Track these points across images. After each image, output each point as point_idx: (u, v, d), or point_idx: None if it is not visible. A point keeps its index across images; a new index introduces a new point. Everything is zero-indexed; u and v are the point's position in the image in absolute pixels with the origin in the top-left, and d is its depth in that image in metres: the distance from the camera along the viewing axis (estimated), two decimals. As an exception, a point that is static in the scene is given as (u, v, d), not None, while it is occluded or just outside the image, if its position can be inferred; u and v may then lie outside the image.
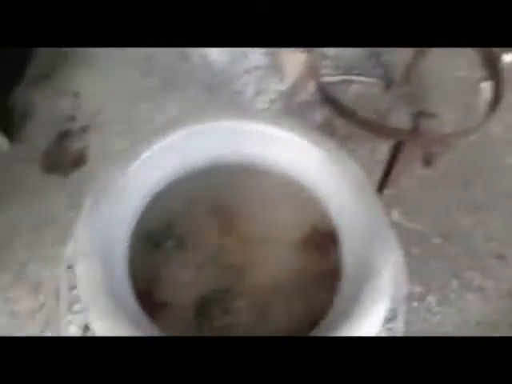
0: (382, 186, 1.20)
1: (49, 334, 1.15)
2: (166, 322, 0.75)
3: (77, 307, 0.66)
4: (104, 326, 0.58)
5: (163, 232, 0.86)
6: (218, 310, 0.81)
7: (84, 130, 1.45)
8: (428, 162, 1.27)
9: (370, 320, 0.60)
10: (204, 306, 0.81)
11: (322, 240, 0.85)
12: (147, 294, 0.77)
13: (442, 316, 1.18)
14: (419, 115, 1.02)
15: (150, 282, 0.81)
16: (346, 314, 0.61)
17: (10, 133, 1.40)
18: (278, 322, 0.81)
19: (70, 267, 0.70)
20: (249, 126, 0.69)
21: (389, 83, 1.41)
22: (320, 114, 1.37)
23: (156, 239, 0.86)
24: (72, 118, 1.47)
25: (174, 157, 0.69)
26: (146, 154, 0.64)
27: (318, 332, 0.63)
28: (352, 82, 1.45)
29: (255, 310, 0.82)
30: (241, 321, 0.81)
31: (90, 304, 0.57)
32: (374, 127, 1.00)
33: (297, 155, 0.73)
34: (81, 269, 0.59)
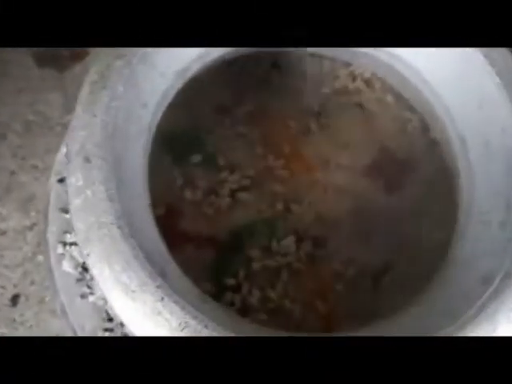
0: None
1: (41, 257, 1.01)
2: (189, 261, 0.57)
3: (71, 237, 0.46)
4: (106, 271, 0.38)
5: (187, 141, 0.67)
6: (257, 248, 0.64)
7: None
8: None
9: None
10: (239, 243, 0.64)
11: (400, 169, 0.67)
12: (165, 221, 0.58)
13: None
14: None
15: (169, 206, 0.63)
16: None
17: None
18: (332, 269, 0.64)
19: (62, 180, 0.50)
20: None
21: None
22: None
23: (178, 150, 0.66)
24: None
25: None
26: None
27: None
28: None
29: (304, 251, 0.65)
30: (285, 263, 0.64)
31: (88, 240, 0.36)
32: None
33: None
34: (76, 182, 0.37)
